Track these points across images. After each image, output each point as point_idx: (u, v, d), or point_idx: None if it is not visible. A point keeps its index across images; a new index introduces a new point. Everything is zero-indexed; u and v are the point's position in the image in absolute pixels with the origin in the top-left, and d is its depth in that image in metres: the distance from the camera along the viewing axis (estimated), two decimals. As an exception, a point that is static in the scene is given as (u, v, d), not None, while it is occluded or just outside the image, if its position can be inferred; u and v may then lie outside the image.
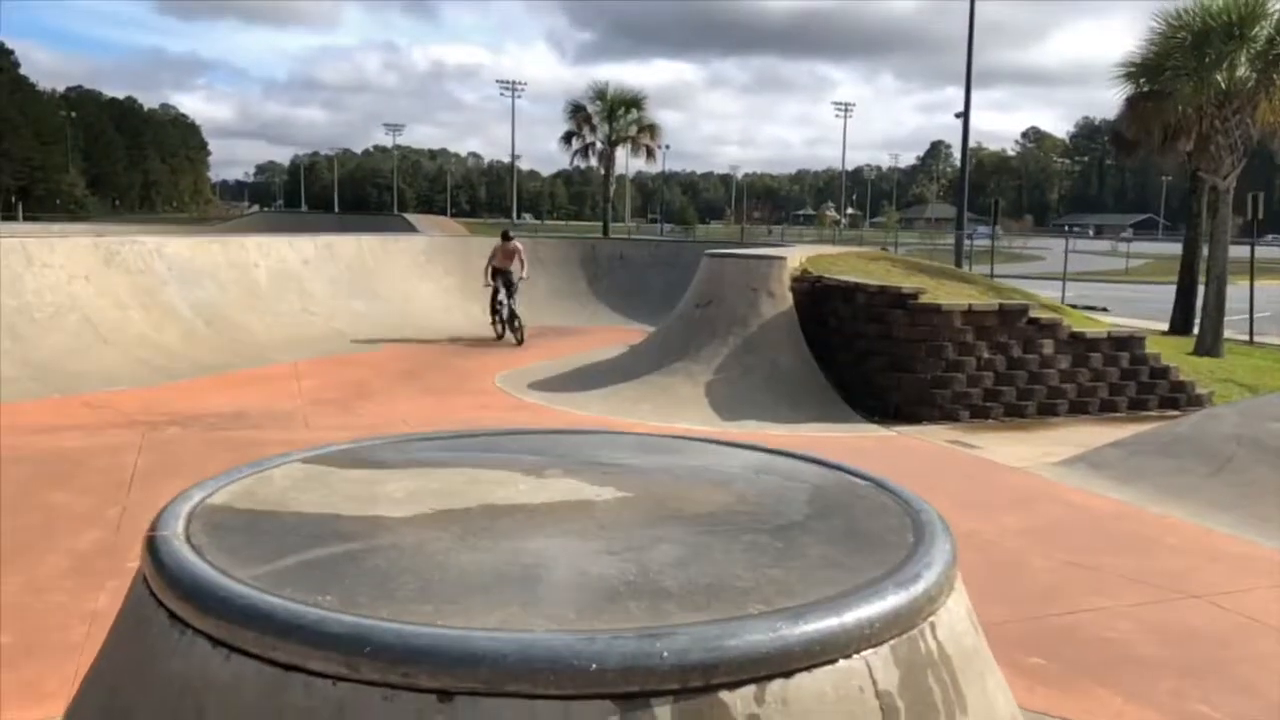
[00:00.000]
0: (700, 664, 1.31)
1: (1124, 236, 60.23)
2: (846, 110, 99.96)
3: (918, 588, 1.54)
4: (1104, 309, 23.90)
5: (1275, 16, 16.32)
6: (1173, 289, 21.63)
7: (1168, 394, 12.61)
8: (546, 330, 18.62)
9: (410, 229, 31.52)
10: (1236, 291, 19.63)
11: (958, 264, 29.27)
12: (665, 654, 1.30)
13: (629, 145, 40.55)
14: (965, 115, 30.22)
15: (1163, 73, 17.10)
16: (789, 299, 13.01)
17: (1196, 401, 12.46)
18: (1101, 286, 36.47)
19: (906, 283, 12.98)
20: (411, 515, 1.85)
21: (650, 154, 41.29)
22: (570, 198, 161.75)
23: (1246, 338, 19.43)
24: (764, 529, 1.77)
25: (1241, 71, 16.68)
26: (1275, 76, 16.20)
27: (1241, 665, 4.93)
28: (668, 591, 1.45)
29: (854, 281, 12.89)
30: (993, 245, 35.13)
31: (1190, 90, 16.37)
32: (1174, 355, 14.26)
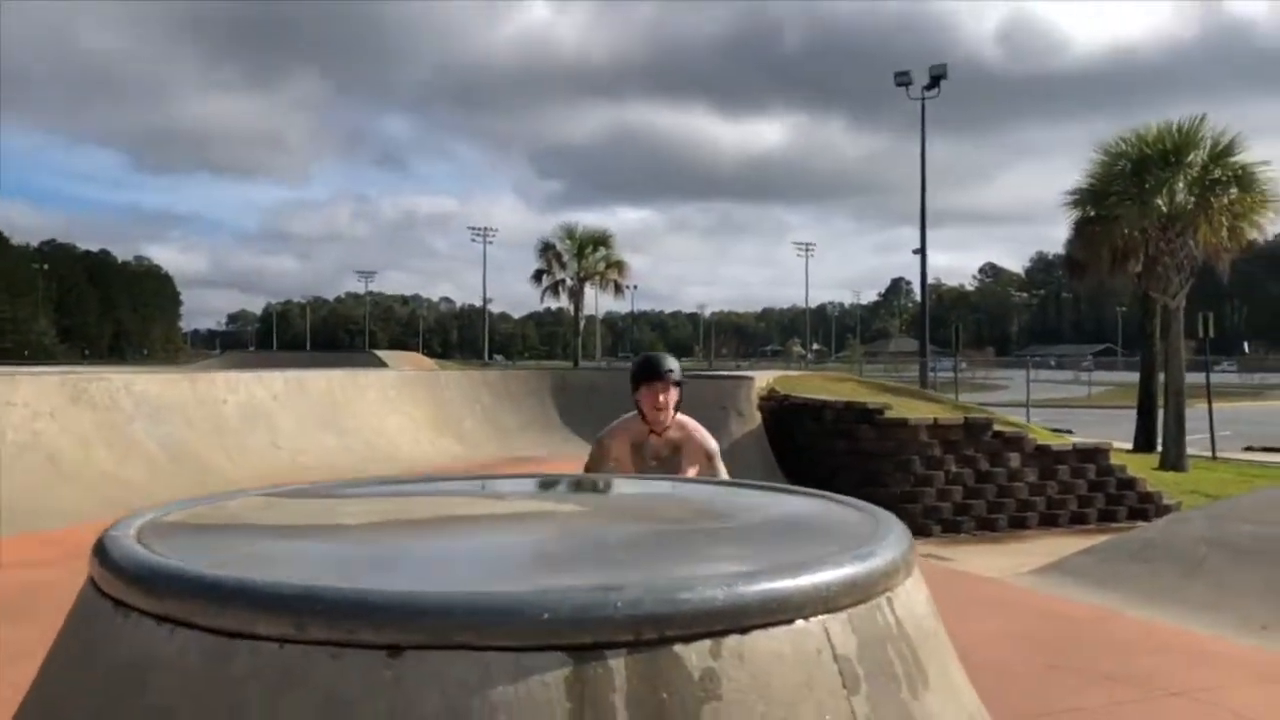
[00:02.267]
0: (654, 616, 1.30)
1: (1085, 365, 61.37)
2: (807, 250, 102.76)
3: (874, 562, 1.54)
4: (1069, 431, 24.17)
5: (1208, 144, 17.19)
6: (1135, 413, 22.00)
7: (1136, 504, 12.69)
8: (519, 460, 18.52)
9: (380, 364, 31.61)
10: (1195, 413, 20.00)
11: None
12: (619, 604, 1.29)
13: (598, 281, 41.37)
14: (922, 244, 31.25)
15: (1107, 198, 17.86)
16: (757, 417, 13.12)
17: (1165, 511, 12.53)
18: (1065, 412, 36.95)
19: (872, 399, 13.14)
20: (371, 521, 1.84)
21: (619, 289, 42.11)
22: (541, 338, 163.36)
23: (1209, 454, 19.68)
24: (727, 525, 1.76)
25: (1180, 196, 17.43)
26: (1212, 200, 16.94)
27: None
28: (624, 561, 1.43)
29: (821, 399, 13.03)
30: (956, 373, 35.69)
31: (1134, 214, 17.07)
32: (1140, 471, 14.40)
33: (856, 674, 1.42)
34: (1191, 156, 17.17)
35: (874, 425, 12.04)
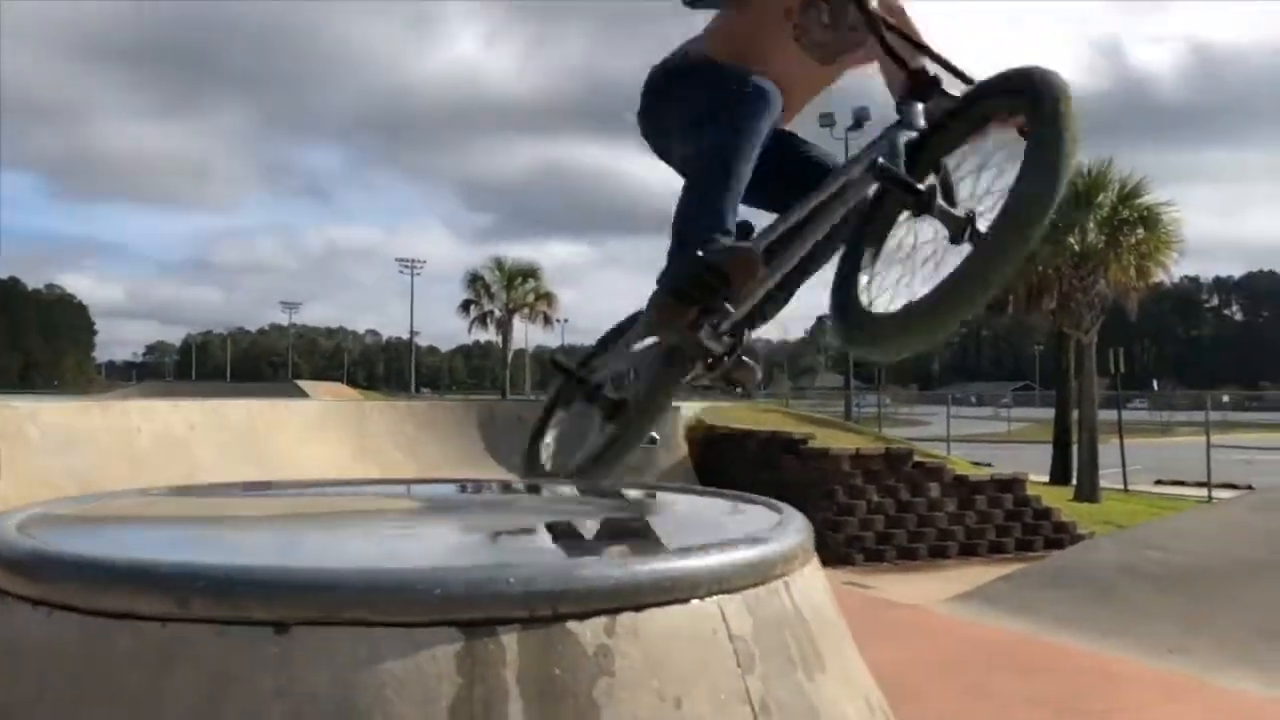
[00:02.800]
0: (548, 593, 1.30)
1: (1004, 402, 62.83)
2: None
3: (771, 547, 1.56)
4: (988, 464, 24.68)
5: (1116, 186, 17.89)
6: (1051, 447, 22.59)
7: (1052, 535, 12.98)
8: (441, 491, 18.26)
9: (302, 394, 30.99)
10: (1109, 447, 20.63)
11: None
12: (512, 580, 1.28)
13: (527, 314, 41.27)
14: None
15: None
16: (684, 448, 13.15)
17: (1079, 540, 12.83)
18: (985, 447, 37.72)
19: (797, 430, 13.28)
20: (265, 514, 1.80)
21: (548, 321, 42.05)
22: (469, 372, 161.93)
23: (1122, 486, 20.27)
24: (630, 515, 1.77)
25: (1091, 235, 18.10)
26: (1120, 239, 17.62)
27: None
28: (522, 548, 1.42)
29: (746, 429, 13.13)
30: (879, 408, 36.29)
31: (1048, 252, 17.65)
32: (1055, 501, 14.75)
33: (752, 654, 1.43)
34: (1100, 197, 17.86)
35: (798, 455, 12.16)
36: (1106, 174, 17.86)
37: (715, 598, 1.43)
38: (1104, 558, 10.13)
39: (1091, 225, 17.86)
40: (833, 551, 11.73)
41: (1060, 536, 12.92)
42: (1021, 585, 10.02)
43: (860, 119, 33.84)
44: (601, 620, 1.32)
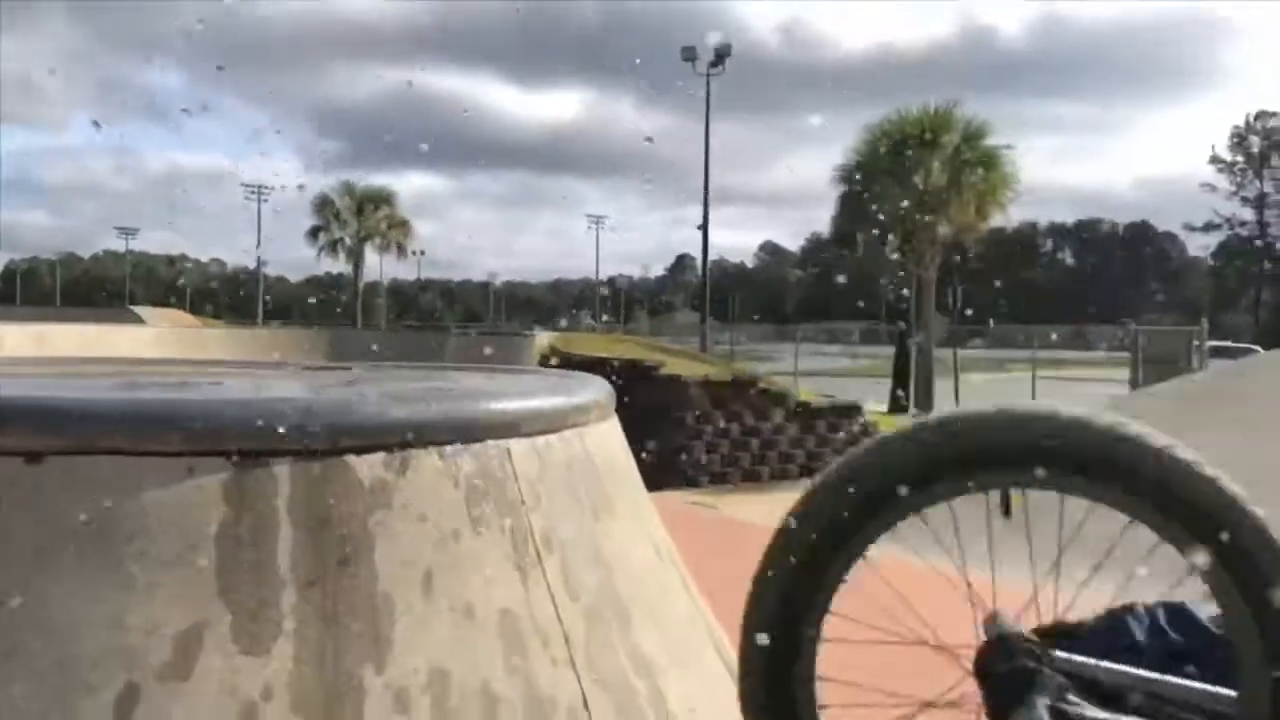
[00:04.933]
0: (327, 427, 1.29)
1: (852, 339, 65.04)
2: (599, 223, 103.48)
3: (561, 399, 1.58)
4: (831, 396, 25.59)
5: (960, 128, 18.60)
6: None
7: (886, 457, 13.61)
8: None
9: (139, 321, 29.39)
10: (947, 384, 21.69)
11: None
12: (288, 413, 1.26)
13: (380, 244, 40.05)
14: (705, 216, 32.18)
15: (871, 175, 19.01)
16: (535, 374, 13.17)
17: (911, 463, 13.53)
18: (832, 381, 39.07)
19: (648, 358, 13.45)
20: (45, 372, 1.71)
21: (403, 251, 40.92)
22: (322, 304, 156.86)
23: (954, 416, 21.40)
24: (443, 382, 1.78)
25: (935, 175, 18.80)
26: (962, 179, 18.37)
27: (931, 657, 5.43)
28: (310, 388, 1.41)
29: (599, 356, 13.21)
30: (731, 345, 36.97)
31: (894, 191, 18.27)
32: (891, 428, 15.46)
33: (537, 494, 1.46)
34: (945, 139, 18.54)
35: (649, 380, 12.33)
36: (951, 115, 18.56)
37: (505, 441, 1.45)
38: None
39: (936, 165, 18.57)
40: (680, 474, 12.01)
41: (894, 460, 13.59)
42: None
43: (721, 56, 33.89)
44: (381, 456, 1.31)
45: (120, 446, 1.20)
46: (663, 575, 1.71)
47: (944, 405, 21.07)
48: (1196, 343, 22.83)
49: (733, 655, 1.84)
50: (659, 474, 12.80)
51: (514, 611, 1.34)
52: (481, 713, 1.27)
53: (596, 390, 1.70)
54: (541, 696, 1.31)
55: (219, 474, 1.22)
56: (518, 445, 1.46)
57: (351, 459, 1.29)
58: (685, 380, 12.40)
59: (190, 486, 1.21)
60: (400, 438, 1.33)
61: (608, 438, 1.68)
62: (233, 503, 1.21)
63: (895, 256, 21.61)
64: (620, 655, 1.44)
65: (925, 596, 1.46)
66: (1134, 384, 18.56)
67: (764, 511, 10.47)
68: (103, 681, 1.12)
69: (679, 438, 12.14)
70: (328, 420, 1.28)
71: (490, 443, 1.42)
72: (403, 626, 1.24)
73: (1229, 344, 19.66)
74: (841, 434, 13.36)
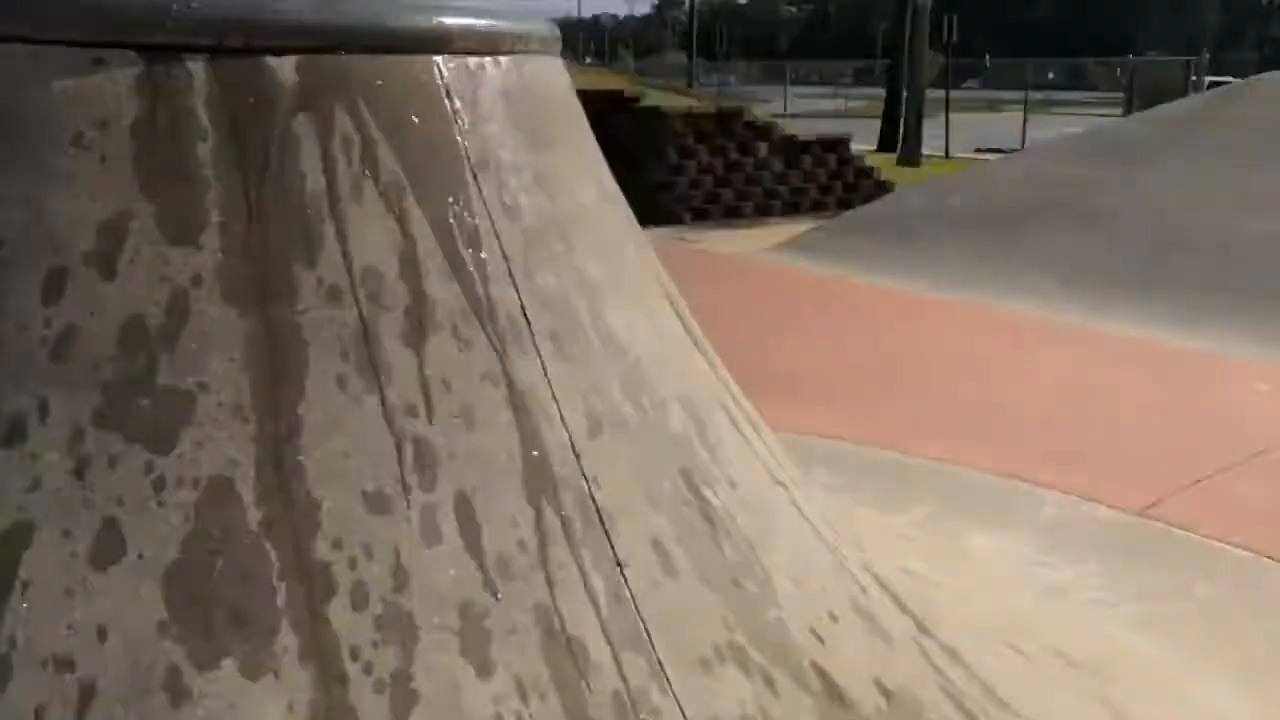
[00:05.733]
0: (241, 22, 1.23)
1: (844, 80, 63.09)
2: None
3: (498, 22, 1.51)
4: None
5: None
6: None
7: (872, 193, 13.50)
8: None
9: None
10: (938, 123, 21.24)
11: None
12: (200, 8, 1.20)
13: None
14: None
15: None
16: (514, 107, 12.81)
17: (893, 196, 13.45)
18: (822, 121, 38.27)
19: (632, 90, 13.04)
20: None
21: None
22: None
23: (944, 154, 21.11)
24: None
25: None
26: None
27: (904, 371, 5.68)
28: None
29: (581, 89, 12.81)
30: (718, 85, 35.87)
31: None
32: (879, 164, 15.26)
33: (470, 115, 1.42)
34: None
35: (631, 114, 12.01)
36: None
37: (436, 56, 1.40)
38: (911, 206, 10.76)
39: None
40: (662, 210, 11.94)
41: (879, 194, 13.49)
42: (835, 233, 10.59)
43: None
44: (298, 59, 1.27)
45: (25, 34, 1.15)
46: (608, 213, 1.71)
47: (933, 146, 20.81)
48: (1194, 76, 22.18)
49: (681, 303, 1.88)
50: (640, 210, 12.66)
51: (448, 222, 1.34)
52: (417, 309, 1.29)
53: (537, 23, 1.63)
54: (478, 303, 1.34)
55: (129, 68, 1.18)
56: (451, 63, 1.41)
57: (270, 60, 1.25)
58: (667, 113, 12.09)
59: (101, 78, 1.17)
60: (319, 41, 1.28)
61: (549, 73, 1.63)
62: (146, 97, 1.18)
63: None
64: (562, 275, 1.46)
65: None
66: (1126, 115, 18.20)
67: (745, 246, 10.55)
68: (27, 263, 1.13)
69: (660, 173, 11.98)
70: (243, 15, 1.23)
71: (425, 56, 1.38)
72: (330, 226, 1.25)
73: (1230, 79, 19.10)
74: (827, 169, 13.20)
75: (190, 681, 1.04)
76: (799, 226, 11.76)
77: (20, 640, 1.03)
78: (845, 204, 13.19)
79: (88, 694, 1.02)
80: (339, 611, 1.12)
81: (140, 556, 1.08)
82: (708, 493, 1.49)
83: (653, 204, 12.07)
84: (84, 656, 1.03)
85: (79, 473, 1.09)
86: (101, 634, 1.04)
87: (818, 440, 4.45)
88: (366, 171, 1.28)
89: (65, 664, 1.03)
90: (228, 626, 1.08)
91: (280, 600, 1.10)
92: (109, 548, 1.07)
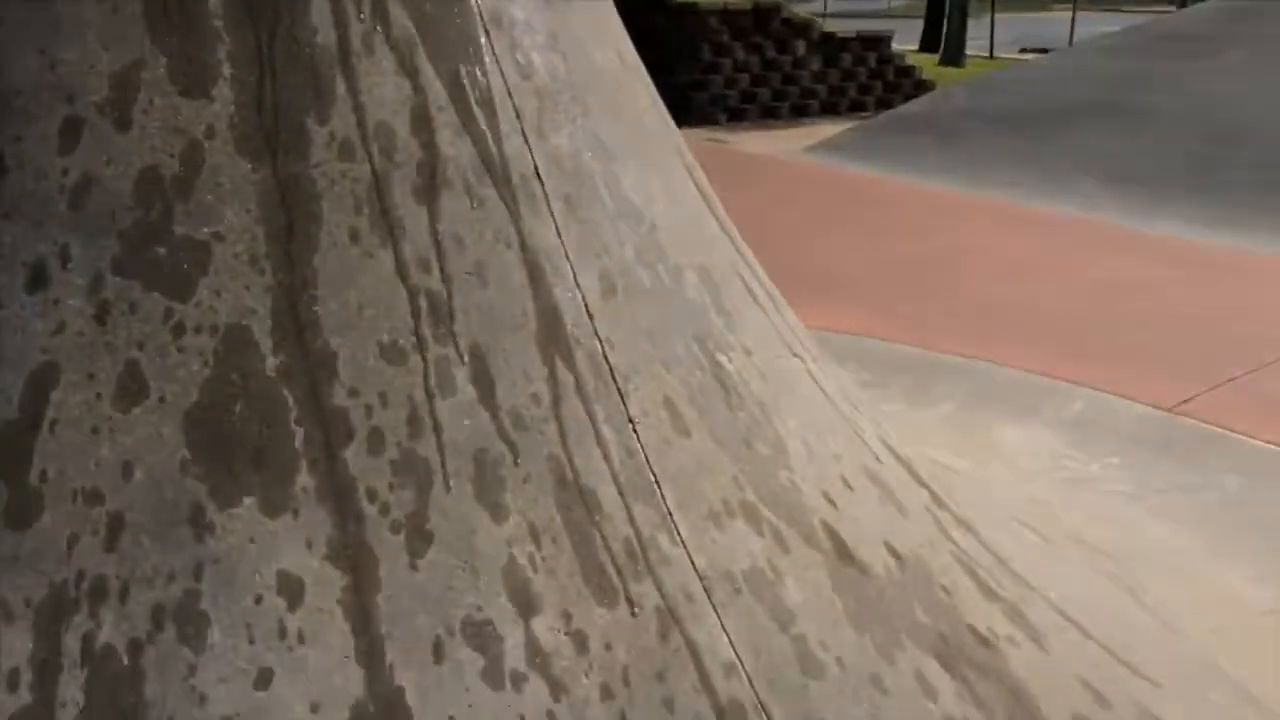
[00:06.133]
0: None
1: (889, -21, 60.96)
2: None
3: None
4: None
5: None
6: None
7: (912, 93, 13.16)
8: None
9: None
10: (983, 24, 20.56)
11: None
12: None
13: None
14: None
15: None
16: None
17: (935, 96, 13.10)
18: (863, 20, 37.21)
19: (664, -14, 12.69)
20: None
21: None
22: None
23: (988, 54, 20.49)
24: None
25: None
26: None
27: (938, 271, 5.62)
28: None
29: (611, -15, 12.52)
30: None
31: None
32: (920, 64, 14.84)
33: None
34: None
35: (663, 10, 11.72)
36: None
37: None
38: (953, 105, 10.47)
39: None
40: (696, 110, 11.74)
41: (919, 94, 13.14)
42: (872, 133, 10.36)
43: None
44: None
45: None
46: (626, 80, 1.68)
47: (977, 46, 20.20)
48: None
49: (701, 175, 1.86)
50: (673, 111, 12.45)
51: (460, 79, 1.33)
52: (429, 165, 1.29)
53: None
54: (491, 161, 1.33)
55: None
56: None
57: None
58: (702, 9, 11.77)
59: (108, -74, 1.16)
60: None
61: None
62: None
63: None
64: (576, 137, 1.45)
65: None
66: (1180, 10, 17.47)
67: (781, 147, 10.37)
68: (42, 112, 1.14)
69: (694, 72, 11.74)
70: None
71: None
72: (342, 81, 1.24)
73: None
74: (866, 67, 12.86)
75: (213, 517, 1.09)
76: (836, 127, 11.52)
77: (51, 474, 1.07)
78: (884, 104, 12.88)
79: (116, 526, 1.06)
80: (356, 455, 1.16)
81: (162, 399, 1.12)
82: (722, 358, 1.50)
83: (686, 104, 11.85)
84: (111, 491, 1.08)
85: (100, 318, 1.12)
86: (127, 471, 1.08)
87: (849, 337, 4.44)
88: (378, 26, 1.27)
89: (94, 497, 1.07)
90: (248, 466, 1.11)
91: (298, 443, 1.14)
92: (131, 390, 1.11)
